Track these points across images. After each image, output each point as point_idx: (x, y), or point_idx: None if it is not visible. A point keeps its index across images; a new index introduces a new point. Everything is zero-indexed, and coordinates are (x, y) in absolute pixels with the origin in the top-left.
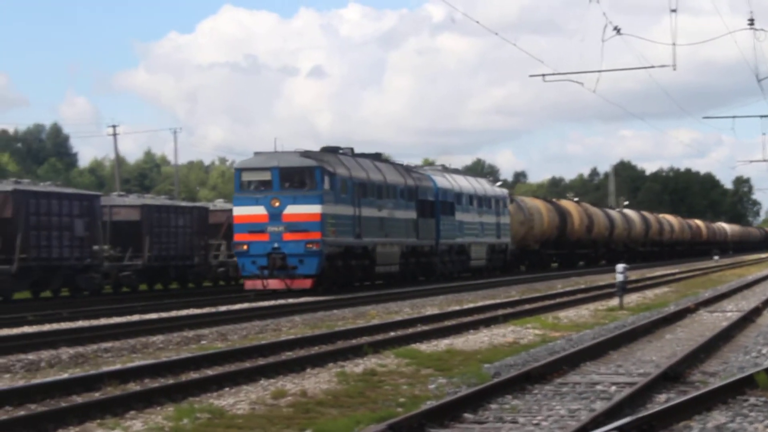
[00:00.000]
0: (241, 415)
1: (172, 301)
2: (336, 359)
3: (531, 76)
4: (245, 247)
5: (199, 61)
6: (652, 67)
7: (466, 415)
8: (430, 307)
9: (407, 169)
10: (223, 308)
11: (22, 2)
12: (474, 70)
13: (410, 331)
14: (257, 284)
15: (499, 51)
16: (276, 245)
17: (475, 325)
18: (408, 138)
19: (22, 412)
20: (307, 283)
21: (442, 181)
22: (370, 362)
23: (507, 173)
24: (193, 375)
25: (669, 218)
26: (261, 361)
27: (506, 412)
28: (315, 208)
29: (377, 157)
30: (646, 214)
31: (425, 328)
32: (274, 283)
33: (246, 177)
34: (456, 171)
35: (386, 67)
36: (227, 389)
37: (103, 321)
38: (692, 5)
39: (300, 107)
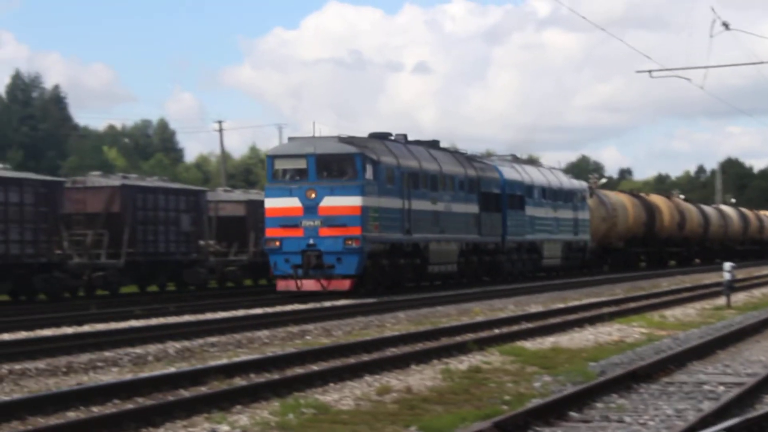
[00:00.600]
0: (346, 410)
1: (276, 296)
2: (440, 356)
3: (638, 72)
4: (277, 243)
5: (304, 57)
6: (762, 63)
7: (572, 414)
8: (534, 304)
9: (469, 159)
10: (327, 304)
11: (129, 1)
12: (579, 65)
13: (515, 328)
14: (290, 285)
15: (605, 47)
16: (311, 241)
17: (579, 323)
18: (512, 134)
19: (130, 406)
20: (346, 284)
21: (510, 172)
22: (474, 359)
23: (612, 170)
24: (298, 370)
25: None
26: (365, 357)
27: (612, 411)
28: (355, 200)
29: (434, 144)
30: (744, 210)
31: (530, 325)
32: (309, 284)
33: (279, 165)
34: (527, 161)
35: (490, 63)
36: (332, 385)
37: (209, 316)
38: None
39: (404, 103)
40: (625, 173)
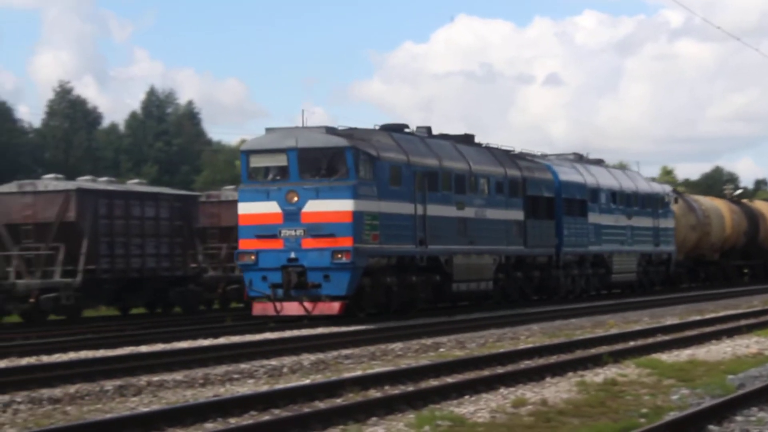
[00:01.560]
0: (481, 423)
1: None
2: (575, 368)
3: None
4: (252, 257)
5: (434, 70)
6: None
7: (711, 427)
8: (670, 316)
9: (512, 156)
10: (459, 317)
11: (261, 18)
12: (713, 76)
13: (650, 340)
14: (268, 308)
15: (740, 56)
16: (293, 255)
17: (717, 336)
18: (644, 146)
19: (266, 417)
20: (335, 308)
21: (568, 172)
22: (610, 372)
23: (747, 181)
24: (433, 382)
25: None
26: (500, 370)
27: (752, 424)
28: (345, 204)
29: (466, 139)
30: None
31: (665, 337)
32: (290, 307)
33: (256, 162)
34: (594, 161)
35: (622, 74)
36: (467, 397)
37: (343, 329)
38: None
39: (534, 115)
40: (760, 184)
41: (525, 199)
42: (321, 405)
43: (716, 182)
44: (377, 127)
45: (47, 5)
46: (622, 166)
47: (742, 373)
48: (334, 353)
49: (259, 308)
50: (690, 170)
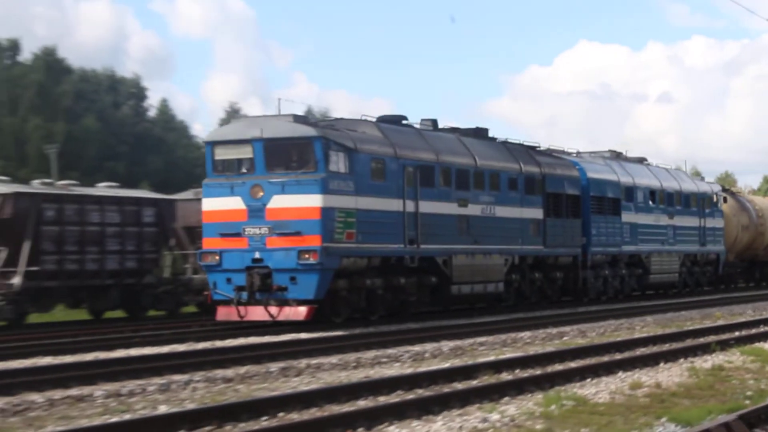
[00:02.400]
0: (602, 403)
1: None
2: (686, 355)
3: None
4: (216, 257)
5: (557, 90)
6: None
7: None
8: None
9: (531, 152)
10: (581, 309)
11: (403, 44)
12: None
13: (754, 331)
14: (232, 313)
15: None
16: (257, 255)
17: None
18: (747, 156)
19: (411, 396)
20: (301, 313)
21: (599, 169)
22: (717, 359)
23: None
24: (558, 367)
25: None
26: (618, 356)
27: None
28: (312, 200)
29: (477, 132)
30: None
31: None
32: (255, 312)
33: (221, 153)
34: (632, 159)
35: (728, 93)
36: (588, 380)
37: (477, 320)
38: None
39: (647, 131)
40: None
41: (544, 196)
42: (459, 386)
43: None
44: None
45: (219, 36)
46: (641, 159)
47: None
48: (470, 341)
49: (223, 313)
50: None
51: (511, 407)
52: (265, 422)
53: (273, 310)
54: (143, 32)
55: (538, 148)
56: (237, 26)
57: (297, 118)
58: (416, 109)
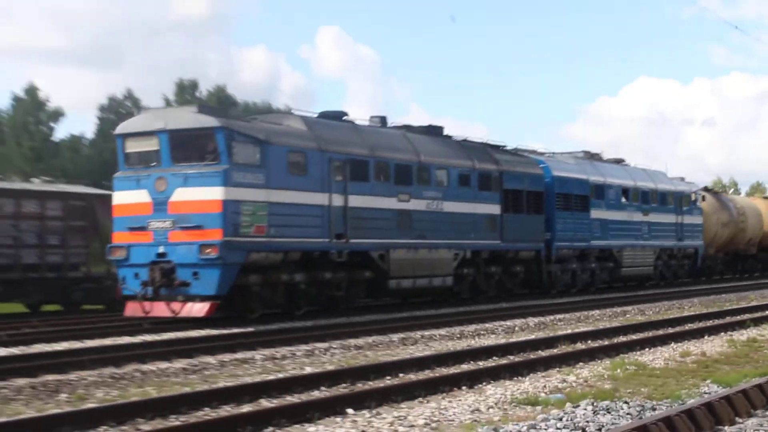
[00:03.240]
0: (657, 367)
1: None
2: (726, 330)
3: None
4: (124, 252)
5: (621, 116)
6: None
7: None
8: None
9: (490, 150)
10: (641, 293)
11: (498, 77)
12: None
13: None
14: (138, 309)
15: None
16: (161, 250)
17: None
18: None
19: (504, 361)
20: (202, 309)
21: (565, 168)
22: (751, 333)
23: None
24: (622, 338)
25: None
26: (670, 330)
27: None
28: (213, 192)
29: (430, 130)
30: None
31: None
32: (159, 308)
33: (132, 146)
34: (607, 160)
35: (761, 118)
36: (646, 349)
37: (557, 300)
38: None
39: (694, 149)
40: None
41: (502, 192)
42: (543, 353)
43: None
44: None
45: (351, 75)
46: (618, 160)
47: None
48: (551, 317)
49: (130, 309)
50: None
51: (585, 371)
52: (388, 381)
53: (175, 306)
54: (293, 73)
55: (503, 148)
56: (365, 67)
57: (202, 109)
58: (509, 131)
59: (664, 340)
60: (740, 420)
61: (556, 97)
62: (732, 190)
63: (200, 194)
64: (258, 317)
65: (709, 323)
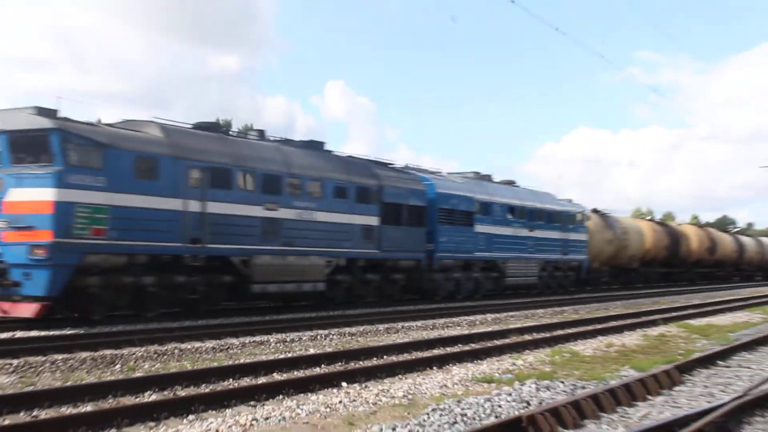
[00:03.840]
0: (587, 355)
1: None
2: (641, 327)
3: None
4: None
5: (564, 158)
6: None
7: (719, 362)
8: (697, 299)
9: (370, 165)
10: (577, 296)
11: (469, 124)
12: (727, 165)
13: (684, 312)
14: None
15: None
16: None
17: (722, 311)
18: (684, 201)
19: (467, 348)
20: (30, 310)
21: (450, 186)
22: (661, 329)
23: (743, 223)
24: (560, 332)
25: None
26: (599, 326)
27: (743, 361)
28: (45, 193)
29: (311, 145)
30: None
31: (693, 311)
32: None
33: None
34: (498, 182)
35: (672, 162)
36: (579, 341)
37: (511, 300)
38: None
39: (621, 185)
40: (750, 225)
41: (381, 205)
42: (497, 342)
43: (724, 223)
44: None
45: (352, 119)
46: (510, 182)
47: (737, 332)
48: (504, 314)
49: None
50: (709, 216)
51: (530, 357)
52: (375, 361)
53: (5, 305)
54: (305, 116)
55: (390, 165)
56: (364, 114)
57: (40, 111)
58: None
59: (593, 334)
60: (651, 397)
61: (514, 142)
62: (649, 217)
63: (33, 195)
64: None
65: (628, 321)
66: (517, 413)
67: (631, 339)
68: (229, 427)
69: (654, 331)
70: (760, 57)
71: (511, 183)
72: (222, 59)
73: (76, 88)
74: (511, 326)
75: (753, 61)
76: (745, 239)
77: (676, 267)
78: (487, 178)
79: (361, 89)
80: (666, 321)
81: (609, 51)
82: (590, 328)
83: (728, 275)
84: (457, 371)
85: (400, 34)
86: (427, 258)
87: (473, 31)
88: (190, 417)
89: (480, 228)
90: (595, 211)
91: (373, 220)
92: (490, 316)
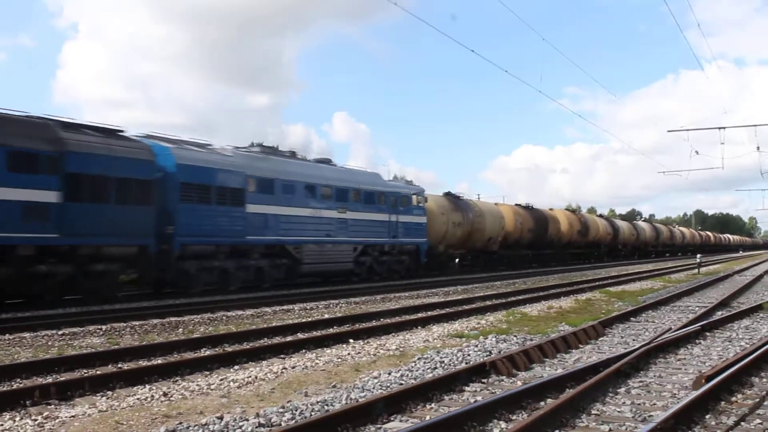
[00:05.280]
0: (533, 315)
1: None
2: (574, 293)
3: None
4: None
5: (513, 167)
6: None
7: (631, 318)
8: (614, 272)
9: (52, 128)
10: (522, 271)
11: (445, 143)
12: (636, 169)
13: (605, 282)
14: None
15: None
16: None
17: (633, 280)
18: (604, 199)
19: (443, 312)
20: None
21: (201, 158)
22: (587, 295)
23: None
24: (512, 298)
25: (682, 228)
26: (542, 293)
27: (649, 318)
28: None
29: None
30: (658, 225)
31: (611, 281)
32: None
33: None
34: (321, 160)
35: (594, 169)
36: (527, 305)
37: (476, 275)
38: None
39: (556, 187)
40: (651, 216)
41: (64, 177)
42: (466, 307)
43: (632, 215)
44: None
45: (354, 142)
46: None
47: (645, 296)
48: (472, 285)
49: None
50: (622, 210)
51: (491, 317)
52: (374, 323)
53: None
54: (319, 139)
55: (97, 127)
56: (362, 137)
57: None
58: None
59: (538, 300)
60: (581, 345)
61: (474, 155)
62: (580, 210)
63: None
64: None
65: (564, 289)
66: (482, 360)
67: (565, 302)
68: (265, 374)
69: (583, 297)
70: (655, 91)
71: (325, 162)
72: (257, 97)
73: (148, 121)
74: (477, 294)
75: (650, 94)
76: (622, 223)
77: (546, 249)
78: (280, 153)
79: (360, 118)
80: (592, 289)
81: (544, 86)
82: (536, 294)
83: (602, 255)
84: (436, 329)
85: (391, 73)
86: (166, 243)
87: (444, 72)
88: (235, 367)
89: (255, 208)
90: (447, 194)
91: (47, 196)
92: (460, 287)
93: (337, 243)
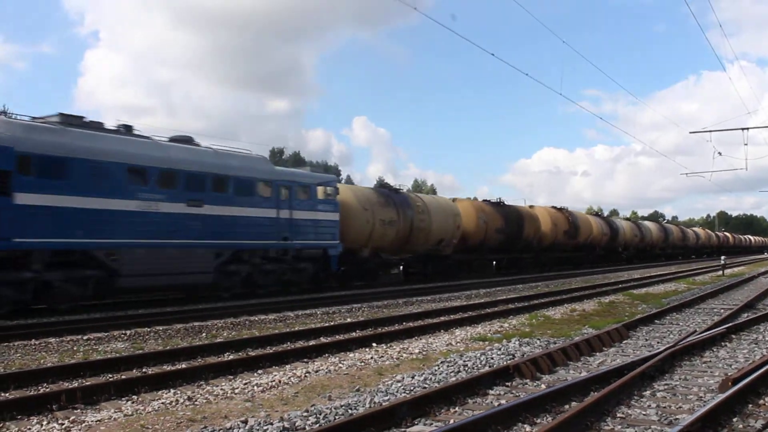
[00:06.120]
0: (556, 318)
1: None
2: (597, 296)
3: None
4: None
5: (533, 170)
6: None
7: (656, 321)
8: (638, 275)
9: None
10: (548, 273)
11: (463, 145)
12: (655, 173)
13: (628, 284)
14: None
15: (634, 160)
16: None
17: (656, 282)
18: (625, 201)
19: (466, 315)
20: None
21: None
22: (611, 297)
23: (669, 216)
24: (535, 301)
25: (696, 229)
26: (566, 296)
27: (673, 320)
28: None
29: None
30: (668, 225)
31: (635, 283)
32: None
33: None
34: (182, 139)
35: (615, 171)
36: (550, 308)
37: (498, 278)
38: None
39: (577, 188)
40: (675, 217)
41: None
42: (488, 310)
43: (655, 217)
44: None
45: (373, 145)
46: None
47: (668, 298)
48: (494, 289)
49: None
50: (644, 212)
51: (514, 320)
52: (396, 326)
53: None
54: (339, 144)
55: None
56: (382, 141)
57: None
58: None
59: (561, 303)
60: (605, 348)
61: (495, 158)
62: (601, 212)
63: None
64: None
65: (588, 292)
66: (505, 363)
67: (589, 305)
68: (289, 378)
69: (606, 299)
70: (676, 92)
71: (186, 140)
72: (276, 102)
73: (169, 126)
74: (500, 297)
75: (671, 95)
76: (623, 223)
77: (522, 253)
78: (93, 125)
79: (380, 122)
80: (615, 291)
81: (565, 89)
82: (559, 297)
83: (597, 260)
84: (459, 333)
85: (409, 77)
86: None
87: (464, 75)
88: (259, 371)
89: (33, 198)
90: (383, 185)
91: None
92: (482, 291)
93: (184, 247)
